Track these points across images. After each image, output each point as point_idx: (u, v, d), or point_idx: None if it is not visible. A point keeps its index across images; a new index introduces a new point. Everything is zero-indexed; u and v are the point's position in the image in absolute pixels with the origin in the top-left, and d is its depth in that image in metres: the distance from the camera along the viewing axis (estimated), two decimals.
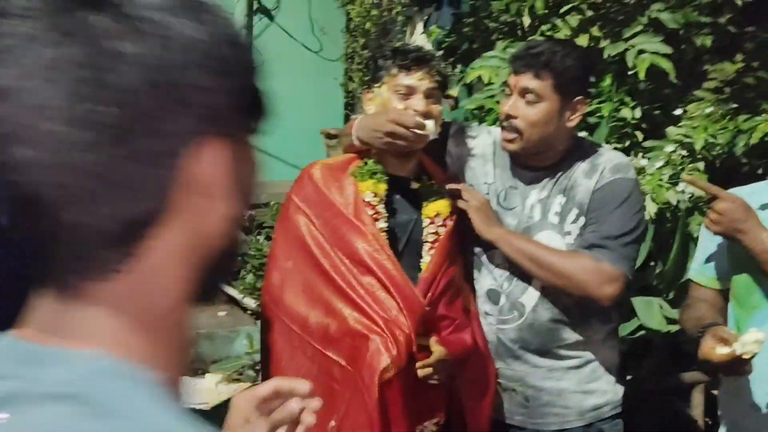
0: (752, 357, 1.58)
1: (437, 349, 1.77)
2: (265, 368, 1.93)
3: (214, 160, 0.53)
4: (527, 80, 1.84)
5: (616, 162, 1.91)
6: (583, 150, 1.95)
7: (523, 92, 1.85)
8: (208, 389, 3.25)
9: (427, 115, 1.82)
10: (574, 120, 1.88)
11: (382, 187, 1.85)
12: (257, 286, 3.66)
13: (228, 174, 0.55)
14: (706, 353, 1.64)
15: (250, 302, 3.84)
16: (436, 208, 1.89)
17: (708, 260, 1.90)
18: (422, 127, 1.80)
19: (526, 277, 1.89)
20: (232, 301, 4.30)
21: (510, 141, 1.89)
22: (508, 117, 1.87)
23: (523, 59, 1.86)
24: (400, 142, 1.79)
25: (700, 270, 1.92)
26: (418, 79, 1.82)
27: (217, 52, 0.53)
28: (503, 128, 1.91)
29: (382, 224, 1.83)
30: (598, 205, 1.85)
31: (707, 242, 1.89)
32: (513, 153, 1.93)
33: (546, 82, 1.82)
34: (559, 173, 1.91)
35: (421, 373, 1.73)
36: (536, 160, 1.93)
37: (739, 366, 1.61)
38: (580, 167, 1.90)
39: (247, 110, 0.57)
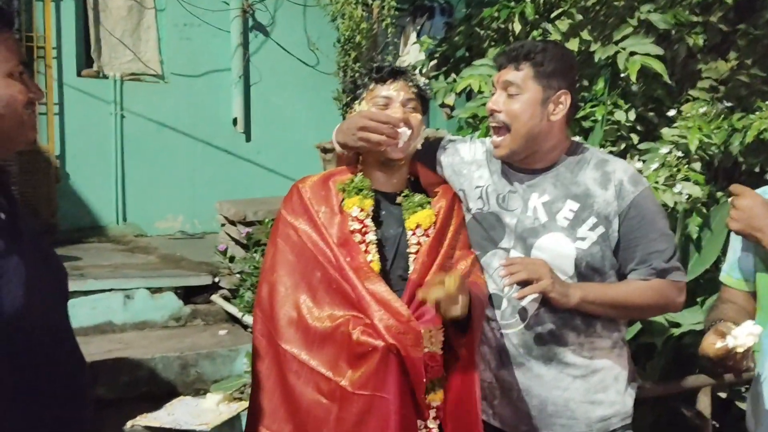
0: (747, 351, 1.53)
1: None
2: (254, 382, 1.91)
3: None
4: (508, 73, 1.87)
5: (631, 172, 1.90)
6: (581, 155, 1.93)
7: (505, 86, 1.87)
8: (209, 409, 3.22)
9: (405, 123, 1.86)
10: (558, 113, 1.87)
11: (369, 203, 1.88)
12: None
13: None
14: (704, 348, 1.60)
15: (250, 320, 3.81)
16: (416, 220, 1.90)
17: (736, 261, 1.83)
18: (396, 123, 1.83)
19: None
20: (233, 319, 4.27)
21: (498, 146, 1.89)
22: (493, 112, 1.89)
23: (504, 55, 1.90)
24: (374, 136, 1.82)
25: (729, 271, 1.86)
26: (394, 90, 1.89)
27: None
28: (490, 127, 1.92)
29: (371, 237, 1.85)
30: (638, 224, 1.84)
31: (736, 242, 1.83)
32: (504, 159, 1.93)
33: (526, 72, 1.85)
34: (562, 176, 1.89)
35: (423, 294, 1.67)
36: (530, 162, 1.92)
37: (734, 361, 1.55)
38: (588, 174, 1.88)
39: None
